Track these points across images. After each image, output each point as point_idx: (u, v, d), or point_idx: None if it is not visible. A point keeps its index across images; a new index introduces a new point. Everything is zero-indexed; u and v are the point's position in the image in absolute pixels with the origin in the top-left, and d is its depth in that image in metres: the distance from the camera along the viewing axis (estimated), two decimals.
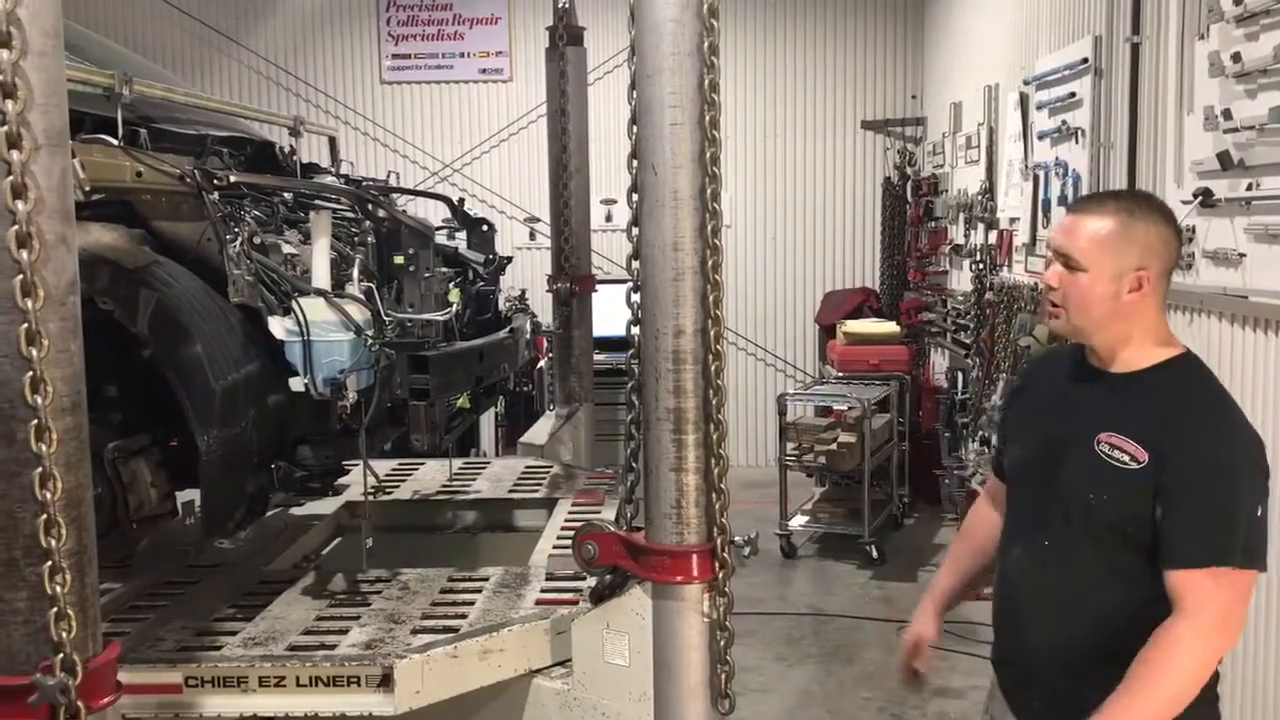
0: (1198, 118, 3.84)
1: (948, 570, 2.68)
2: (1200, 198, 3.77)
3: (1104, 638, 2.15)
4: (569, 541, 2.73)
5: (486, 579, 3.26)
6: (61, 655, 1.78)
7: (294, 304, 2.82)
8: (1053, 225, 2.30)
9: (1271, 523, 3.37)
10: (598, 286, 5.30)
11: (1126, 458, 2.11)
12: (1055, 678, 2.24)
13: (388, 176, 4.68)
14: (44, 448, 1.75)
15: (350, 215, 3.54)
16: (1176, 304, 4.04)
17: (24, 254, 1.71)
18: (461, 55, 9.50)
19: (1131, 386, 2.19)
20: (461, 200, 4.78)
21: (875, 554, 6.80)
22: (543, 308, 5.34)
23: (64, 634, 1.78)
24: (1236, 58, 3.56)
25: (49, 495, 1.75)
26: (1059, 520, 2.22)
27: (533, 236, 9.10)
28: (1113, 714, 2.02)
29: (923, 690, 2.66)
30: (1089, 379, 2.27)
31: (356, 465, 3.27)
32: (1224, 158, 3.62)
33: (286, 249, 3.14)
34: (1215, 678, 2.18)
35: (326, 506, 3.96)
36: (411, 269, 3.14)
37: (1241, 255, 3.58)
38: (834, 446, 7.02)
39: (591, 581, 2.71)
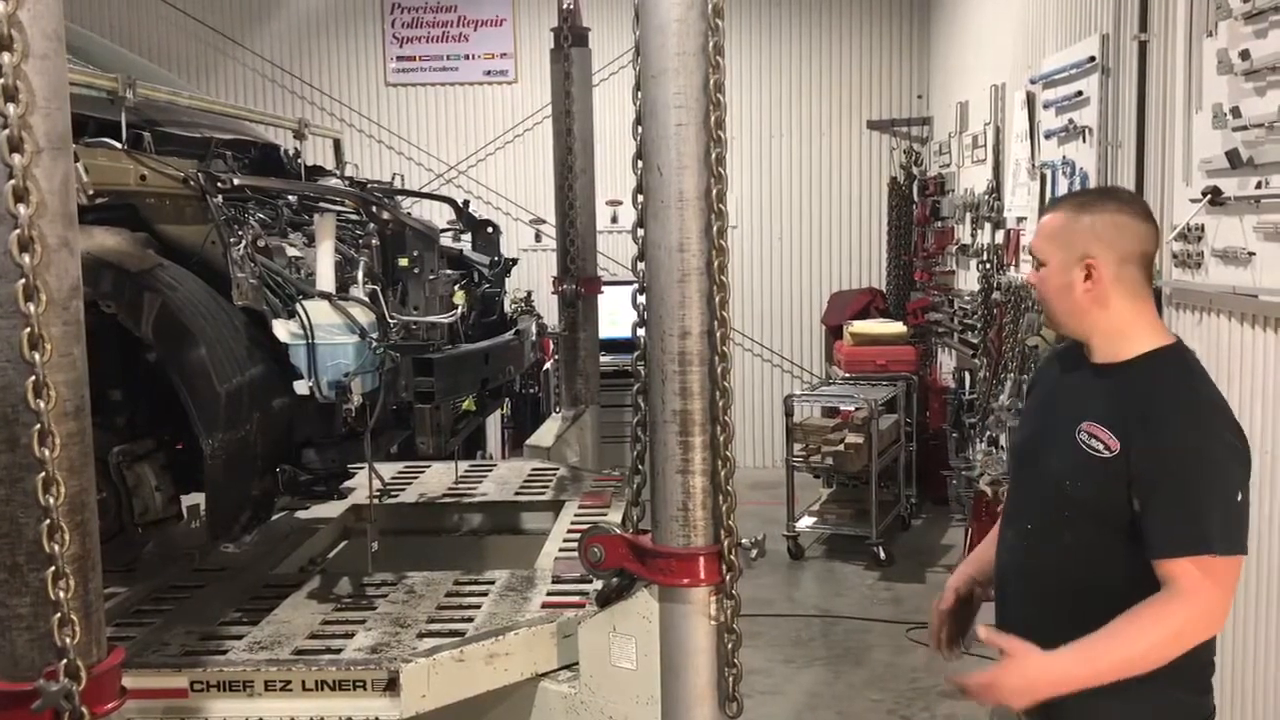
0: (1206, 116, 3.82)
1: (987, 541, 2.68)
2: (1209, 196, 3.75)
3: (1082, 620, 2.16)
4: (575, 544, 2.72)
5: (493, 582, 3.25)
6: (65, 661, 1.78)
7: (298, 307, 2.81)
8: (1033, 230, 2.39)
9: (1270, 514, 3.41)
10: (603, 288, 5.30)
11: (1101, 446, 2.15)
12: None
13: (392, 179, 4.67)
14: (47, 452, 1.74)
15: (355, 218, 3.53)
16: (1185, 303, 4.02)
17: (26, 258, 1.71)
18: (466, 57, 9.50)
19: (1113, 377, 2.23)
20: (466, 202, 4.78)
21: (883, 555, 6.78)
22: (548, 309, 5.35)
23: (68, 639, 1.77)
24: (1245, 55, 3.54)
25: (52, 500, 1.75)
26: (1040, 505, 2.28)
27: (538, 238, 9.13)
28: (1075, 651, 2.07)
29: (959, 654, 2.62)
30: (1081, 370, 2.32)
31: (362, 468, 3.26)
32: (1233, 156, 3.60)
33: (291, 252, 3.13)
34: (1210, 668, 2.24)
35: (332, 510, 3.95)
36: (416, 271, 3.13)
37: (1251, 254, 3.56)
38: (841, 447, 7.00)
39: (598, 584, 2.70)
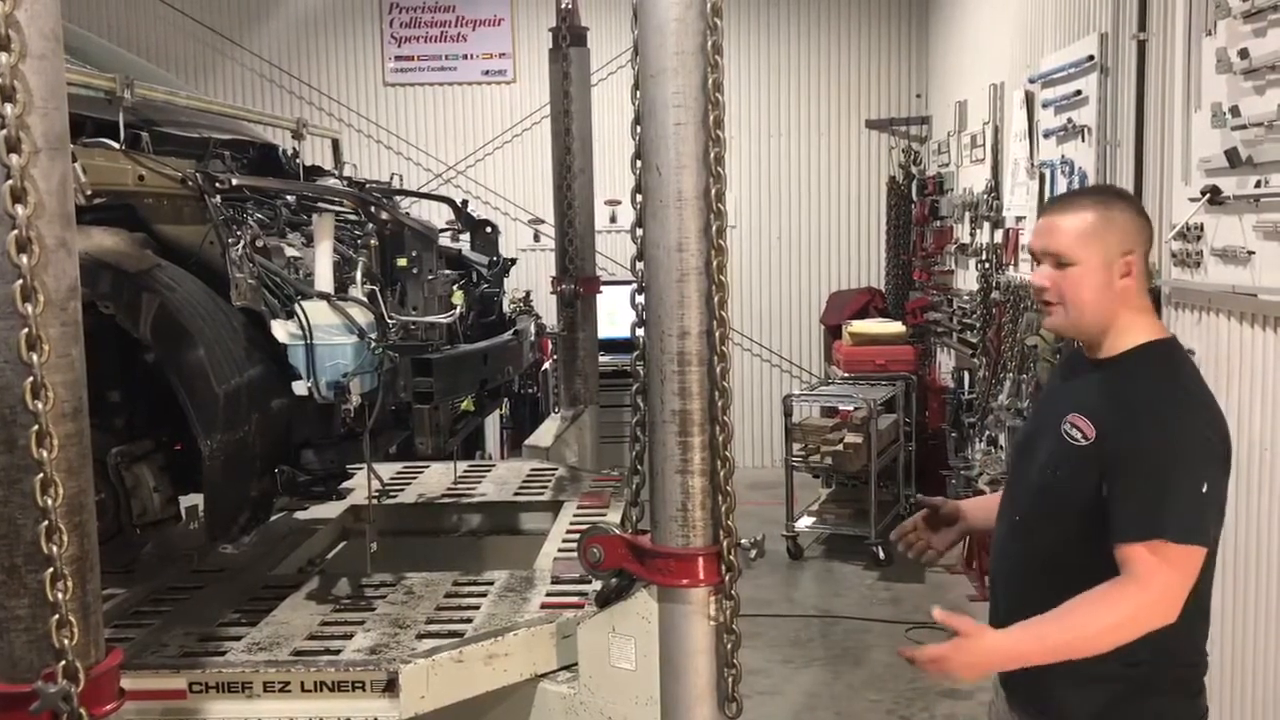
0: (1205, 115, 3.82)
1: (990, 497, 2.74)
2: (1208, 195, 3.74)
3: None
4: (574, 545, 2.72)
5: (492, 583, 3.25)
6: (64, 662, 1.77)
7: (297, 307, 2.81)
8: (1030, 230, 2.35)
9: (1271, 512, 3.41)
10: (602, 288, 5.29)
11: (1079, 434, 2.18)
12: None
13: (391, 179, 4.66)
14: (45, 454, 1.74)
15: (353, 218, 3.53)
16: (1185, 302, 4.02)
17: (24, 259, 1.70)
18: (465, 57, 9.50)
19: (1105, 370, 2.26)
20: (465, 202, 4.77)
21: (882, 555, 6.77)
22: (547, 309, 5.35)
23: (66, 641, 1.77)
24: (1244, 54, 3.54)
25: (50, 501, 1.74)
26: (1027, 497, 2.32)
27: (537, 238, 9.12)
28: (1025, 630, 2.12)
29: (921, 558, 2.75)
30: (1078, 368, 2.36)
31: (360, 469, 3.26)
32: (1232, 155, 3.60)
33: (289, 252, 3.13)
34: (1200, 668, 2.26)
35: (331, 510, 3.94)
36: (415, 271, 3.13)
37: (1250, 253, 3.56)
38: (840, 447, 7.00)
39: (597, 585, 2.70)
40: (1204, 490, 2.09)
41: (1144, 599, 2.05)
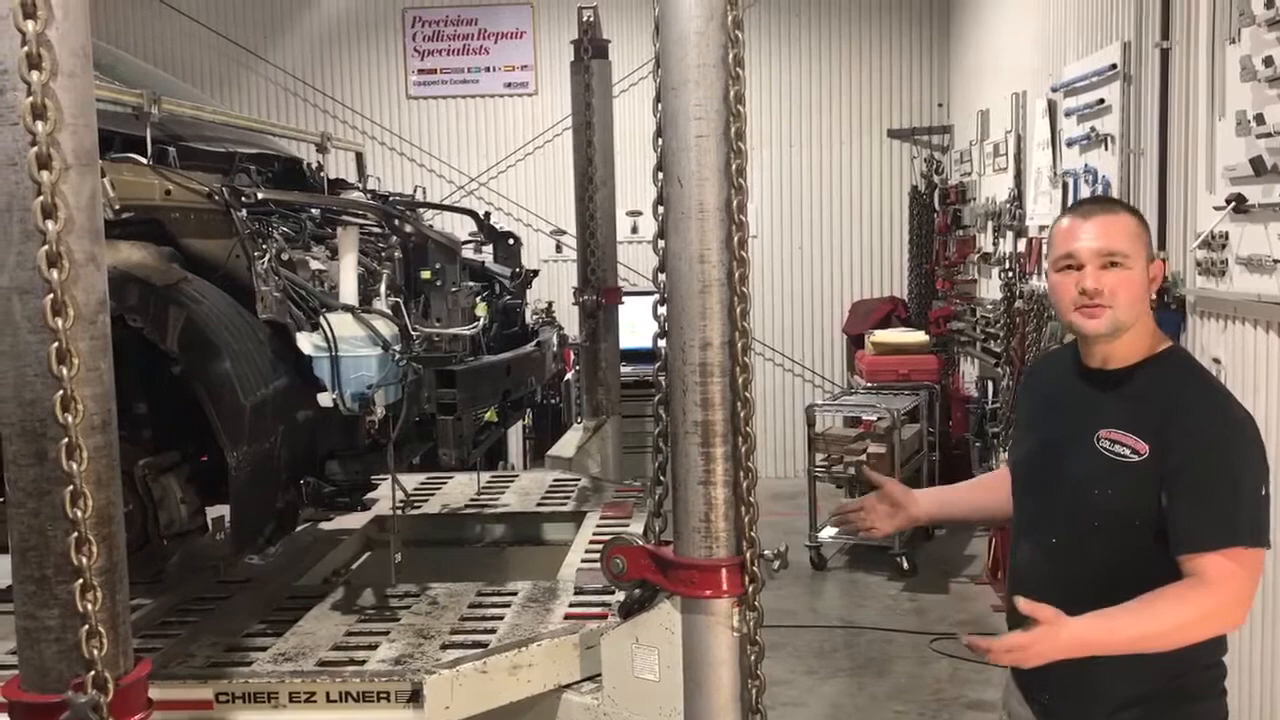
0: (1229, 123, 3.80)
1: (956, 487, 2.77)
2: (1233, 203, 3.73)
3: None
4: (597, 555, 2.72)
5: (515, 593, 3.25)
6: (93, 673, 1.78)
7: (322, 320, 2.83)
8: (1065, 233, 2.29)
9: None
10: (624, 299, 5.30)
11: (1128, 451, 2.17)
12: (1064, 670, 2.25)
13: (414, 191, 4.69)
14: (74, 466, 1.75)
15: (377, 230, 3.55)
16: (1210, 311, 3.99)
17: (54, 273, 1.72)
18: (487, 69, 9.55)
19: (1127, 382, 2.25)
20: (488, 214, 4.79)
21: (906, 565, 6.75)
22: (569, 320, 5.34)
23: (95, 651, 1.78)
24: (1269, 62, 3.52)
25: (80, 513, 1.76)
26: (1064, 518, 2.28)
27: (559, 249, 9.15)
28: (1097, 620, 2.08)
29: (858, 534, 2.80)
30: (1085, 378, 2.33)
31: (385, 480, 3.27)
32: (1257, 163, 3.58)
33: (314, 265, 3.15)
34: (1222, 671, 2.26)
35: (355, 521, 3.96)
36: (438, 283, 3.14)
37: (1276, 261, 3.54)
38: (863, 457, 6.98)
39: (620, 596, 2.70)
40: (1262, 493, 2.12)
41: (1218, 600, 2.06)
